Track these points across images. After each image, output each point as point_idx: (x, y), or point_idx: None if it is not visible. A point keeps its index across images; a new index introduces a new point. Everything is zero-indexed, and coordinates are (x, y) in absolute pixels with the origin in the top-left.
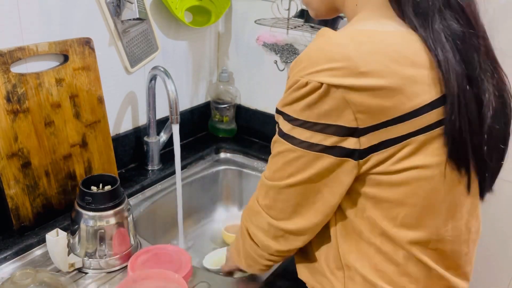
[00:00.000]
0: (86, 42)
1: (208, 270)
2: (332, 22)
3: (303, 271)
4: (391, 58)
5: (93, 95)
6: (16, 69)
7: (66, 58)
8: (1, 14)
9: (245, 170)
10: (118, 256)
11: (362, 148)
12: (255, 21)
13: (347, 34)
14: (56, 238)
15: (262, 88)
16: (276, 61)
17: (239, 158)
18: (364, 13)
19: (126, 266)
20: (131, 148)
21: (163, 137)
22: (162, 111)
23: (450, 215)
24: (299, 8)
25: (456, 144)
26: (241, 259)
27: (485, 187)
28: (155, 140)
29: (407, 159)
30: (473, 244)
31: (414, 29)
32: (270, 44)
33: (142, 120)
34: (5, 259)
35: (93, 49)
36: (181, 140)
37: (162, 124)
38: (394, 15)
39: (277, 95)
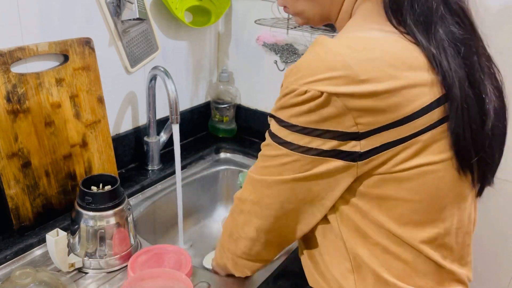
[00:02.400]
0: (86, 42)
1: (208, 270)
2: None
3: (313, 279)
4: (389, 64)
5: (93, 95)
6: (16, 69)
7: (66, 58)
8: (1, 14)
9: (245, 170)
10: (118, 256)
11: (362, 150)
12: (255, 21)
13: (344, 42)
14: (56, 238)
15: (262, 88)
16: (276, 61)
17: (239, 158)
18: (356, 21)
19: (126, 266)
20: (131, 148)
21: (163, 137)
22: (162, 111)
23: (456, 208)
24: None
25: (460, 143)
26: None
27: (485, 183)
28: (155, 140)
29: (412, 158)
30: (471, 234)
31: (413, 36)
32: (270, 44)
33: (142, 120)
34: (5, 259)
35: (93, 49)
36: (181, 140)
37: (162, 124)
38: (386, 20)
39: (277, 95)
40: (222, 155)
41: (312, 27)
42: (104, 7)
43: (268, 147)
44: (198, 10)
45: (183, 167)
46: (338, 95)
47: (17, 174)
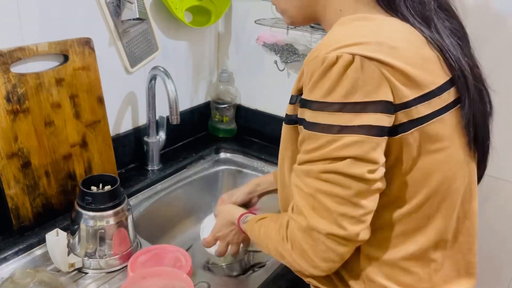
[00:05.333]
0: (86, 42)
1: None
2: None
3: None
4: (408, 38)
5: (93, 95)
6: (16, 69)
7: (66, 58)
8: (1, 14)
9: (245, 170)
10: (118, 256)
11: (399, 122)
12: (255, 21)
13: (359, 21)
14: (56, 238)
15: (262, 88)
16: (276, 61)
17: (239, 158)
18: (353, 14)
19: (126, 266)
20: (131, 148)
21: (163, 137)
22: (162, 111)
23: (472, 192)
24: None
25: (472, 125)
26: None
27: (483, 167)
28: (155, 140)
29: (436, 141)
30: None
31: (413, 25)
32: (270, 44)
33: (142, 120)
34: (5, 259)
35: (93, 49)
36: (181, 140)
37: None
38: (383, 12)
39: (277, 95)
40: (222, 155)
41: (312, 27)
42: (104, 7)
43: (307, 141)
44: (198, 10)
45: (183, 167)
46: (371, 59)
47: (17, 174)
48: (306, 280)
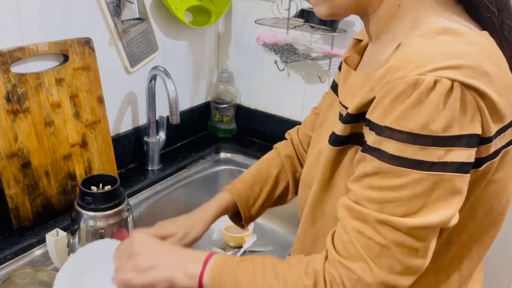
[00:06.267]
0: (86, 42)
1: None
2: (331, 22)
3: None
4: (495, 62)
5: (93, 95)
6: (16, 69)
7: (66, 58)
8: (1, 14)
9: (245, 170)
10: None
11: (483, 156)
12: (255, 21)
13: (448, 35)
14: (56, 238)
15: (262, 88)
16: (276, 61)
17: (239, 158)
18: (414, 13)
19: None
20: (131, 148)
21: (163, 137)
22: (162, 111)
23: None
24: (299, 8)
25: None
26: None
27: None
28: (155, 140)
29: (494, 173)
30: None
31: (499, 43)
32: (270, 44)
33: (142, 120)
34: (5, 259)
35: (93, 49)
36: (181, 140)
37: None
38: (462, 13)
39: (277, 95)
40: (222, 155)
41: (312, 27)
42: (104, 7)
43: (383, 175)
44: (198, 10)
45: (183, 167)
46: (469, 87)
47: (17, 174)
48: None
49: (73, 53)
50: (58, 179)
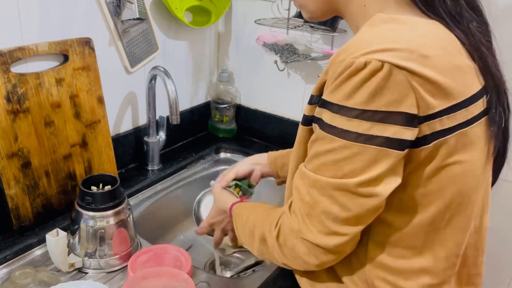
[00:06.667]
0: (86, 42)
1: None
2: (331, 22)
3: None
4: (442, 44)
5: (93, 95)
6: (16, 69)
7: (66, 58)
8: (1, 14)
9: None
10: (118, 256)
11: (420, 136)
12: (255, 21)
13: (392, 23)
14: (56, 238)
15: (262, 88)
16: (276, 61)
17: (239, 158)
18: (379, 10)
19: (126, 266)
20: (131, 148)
21: (163, 137)
22: (162, 111)
23: (485, 205)
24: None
25: (500, 133)
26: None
27: (495, 178)
28: (155, 140)
29: (455, 154)
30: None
31: (449, 27)
32: (270, 44)
33: (142, 120)
34: (5, 259)
35: (93, 49)
36: (181, 140)
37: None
38: (418, 12)
39: (277, 95)
40: (222, 155)
41: (312, 27)
42: (104, 7)
43: (320, 141)
44: (198, 10)
45: (183, 167)
46: (400, 67)
47: (17, 174)
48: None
49: (73, 53)
50: (58, 179)
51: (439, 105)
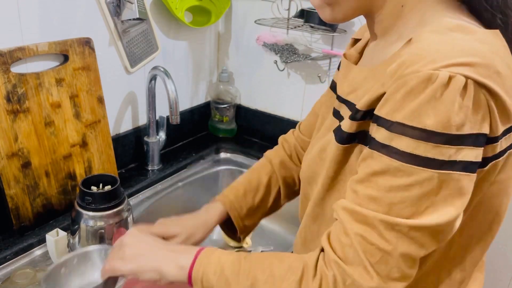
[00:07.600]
0: (86, 42)
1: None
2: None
3: None
4: (504, 61)
5: (93, 95)
6: (16, 69)
7: (66, 58)
8: (1, 14)
9: (245, 170)
10: None
11: (488, 155)
12: (255, 21)
13: (460, 32)
14: (56, 238)
15: (262, 88)
16: (276, 61)
17: (239, 158)
18: (418, 13)
19: None
20: (131, 148)
21: (163, 137)
22: (162, 111)
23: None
24: (299, 8)
25: None
26: None
27: None
28: (155, 140)
29: (498, 174)
30: None
31: (508, 41)
32: (270, 44)
33: (142, 120)
34: (5, 259)
35: (93, 49)
36: (181, 140)
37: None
38: (466, 12)
39: (277, 95)
40: (222, 155)
41: (312, 27)
42: (104, 7)
43: (391, 174)
44: (198, 10)
45: (183, 167)
46: (482, 85)
47: (17, 174)
48: None
49: (73, 53)
50: (58, 179)
51: (502, 127)
